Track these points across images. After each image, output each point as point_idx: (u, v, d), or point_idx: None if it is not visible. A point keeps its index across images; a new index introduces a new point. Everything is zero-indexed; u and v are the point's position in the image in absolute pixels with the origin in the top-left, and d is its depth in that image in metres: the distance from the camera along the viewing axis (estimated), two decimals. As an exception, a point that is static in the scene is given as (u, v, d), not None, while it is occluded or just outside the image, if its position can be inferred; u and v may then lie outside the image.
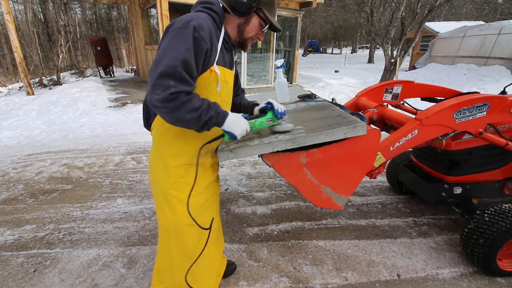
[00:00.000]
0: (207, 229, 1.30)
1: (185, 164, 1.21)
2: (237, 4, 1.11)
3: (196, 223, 1.24)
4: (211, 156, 1.31)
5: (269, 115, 1.26)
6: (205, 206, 1.30)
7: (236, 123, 1.12)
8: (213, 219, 1.35)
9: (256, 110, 1.35)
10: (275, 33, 8.35)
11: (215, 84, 1.14)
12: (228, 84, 1.23)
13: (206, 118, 1.02)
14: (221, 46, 1.13)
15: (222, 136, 1.21)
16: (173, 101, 0.94)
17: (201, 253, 1.30)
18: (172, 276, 1.33)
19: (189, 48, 0.98)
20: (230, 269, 1.79)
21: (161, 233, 1.32)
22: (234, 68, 1.30)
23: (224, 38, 1.15)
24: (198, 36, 0.99)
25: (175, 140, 1.19)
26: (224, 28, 1.16)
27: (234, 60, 1.31)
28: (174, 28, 1.01)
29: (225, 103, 1.26)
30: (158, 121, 1.20)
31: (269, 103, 1.26)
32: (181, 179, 1.21)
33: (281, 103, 1.83)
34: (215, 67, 1.11)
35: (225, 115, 1.09)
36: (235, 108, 1.48)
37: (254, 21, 1.17)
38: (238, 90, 1.49)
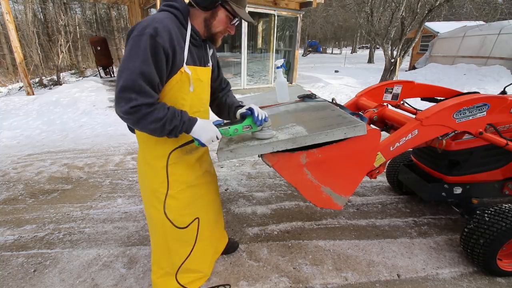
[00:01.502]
0: (188, 226, 1.36)
1: (167, 166, 1.25)
2: (200, 1, 1.08)
3: (173, 223, 1.30)
4: (196, 151, 1.35)
5: (247, 121, 1.21)
6: (195, 198, 1.38)
7: (204, 130, 1.12)
8: (196, 218, 1.40)
9: (238, 114, 1.26)
10: (275, 34, 8.36)
11: (187, 85, 1.15)
12: (202, 82, 1.22)
13: (170, 127, 1.06)
14: (189, 45, 1.12)
15: (192, 141, 1.22)
16: (135, 113, 0.99)
17: (194, 246, 1.38)
18: (172, 262, 1.41)
19: (146, 58, 0.98)
20: (233, 247, 1.94)
21: (155, 228, 1.37)
22: (210, 63, 1.29)
23: (191, 34, 1.13)
24: (154, 43, 0.99)
25: (156, 144, 1.23)
26: (191, 24, 1.14)
27: (210, 54, 1.29)
28: (132, 37, 1.01)
29: (203, 100, 1.27)
30: None
31: (250, 109, 1.20)
32: (170, 177, 1.27)
33: (281, 103, 1.84)
34: (185, 68, 1.10)
35: (192, 122, 1.11)
36: (221, 107, 1.46)
37: (221, 14, 1.13)
38: (221, 83, 1.47)
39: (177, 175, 1.29)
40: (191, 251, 1.38)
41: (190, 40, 1.13)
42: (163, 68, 1.04)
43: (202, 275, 1.55)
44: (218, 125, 1.18)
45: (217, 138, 1.17)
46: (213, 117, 1.39)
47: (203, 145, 1.16)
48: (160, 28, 1.00)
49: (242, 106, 1.36)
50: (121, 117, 1.01)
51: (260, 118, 1.18)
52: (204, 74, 1.23)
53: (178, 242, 1.38)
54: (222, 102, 1.45)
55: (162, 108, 1.05)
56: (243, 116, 1.22)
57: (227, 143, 1.30)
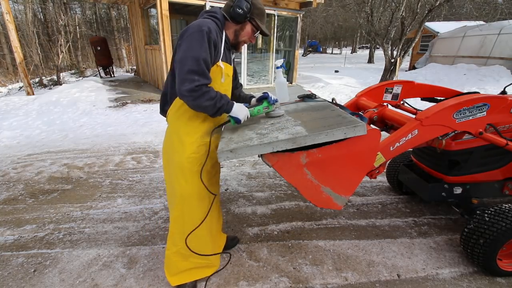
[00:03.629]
0: (214, 194, 1.56)
1: (197, 142, 1.46)
2: (235, 14, 1.39)
3: (207, 188, 1.49)
4: (216, 138, 1.53)
5: (265, 103, 1.53)
6: (212, 182, 1.59)
7: (240, 110, 1.41)
8: (215, 196, 1.59)
9: (253, 100, 1.67)
10: (275, 34, 8.36)
11: (220, 76, 1.43)
12: (229, 77, 1.52)
13: (219, 105, 1.32)
14: (223, 46, 1.41)
15: (228, 121, 1.47)
16: (197, 91, 1.25)
17: (204, 219, 1.52)
18: (183, 231, 1.55)
19: (206, 48, 1.27)
20: (233, 242, 2.04)
21: (175, 201, 1.54)
22: (233, 64, 1.59)
23: (225, 40, 1.43)
24: (209, 37, 1.28)
25: (189, 122, 1.46)
26: (224, 32, 1.44)
27: (232, 58, 1.58)
28: (191, 33, 1.28)
29: (227, 92, 1.54)
30: (173, 107, 1.46)
31: (265, 92, 1.54)
32: (193, 154, 1.46)
33: (281, 103, 1.84)
34: (221, 63, 1.40)
35: (232, 104, 1.38)
36: (236, 100, 1.75)
37: (248, 28, 1.45)
38: (237, 84, 1.78)
39: (200, 154, 1.49)
40: (201, 222, 1.53)
41: (224, 43, 1.42)
42: (212, 59, 1.33)
43: (204, 262, 1.66)
44: (246, 107, 1.48)
45: (247, 118, 1.46)
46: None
47: (239, 122, 1.43)
48: (212, 28, 1.31)
49: (254, 97, 1.70)
50: (183, 95, 1.26)
51: (273, 98, 1.52)
52: (230, 71, 1.52)
53: (192, 213, 1.54)
54: (236, 96, 1.78)
55: (213, 89, 1.32)
56: (261, 100, 1.56)
57: (227, 143, 1.30)
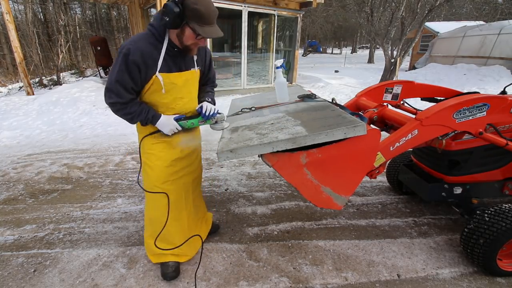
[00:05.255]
0: (154, 192, 1.64)
1: (150, 141, 1.61)
2: (164, 22, 1.34)
3: (142, 188, 1.64)
4: (177, 135, 1.60)
5: (200, 117, 1.56)
6: (175, 176, 1.66)
7: (165, 125, 1.51)
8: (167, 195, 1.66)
9: (195, 110, 1.66)
10: (275, 34, 8.36)
11: (160, 88, 1.47)
12: (176, 85, 1.51)
13: (137, 120, 1.48)
14: (164, 56, 1.42)
15: (158, 131, 1.56)
16: (112, 107, 1.44)
17: (167, 217, 1.63)
18: (153, 229, 1.74)
19: (122, 70, 1.36)
20: (214, 228, 2.16)
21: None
22: (194, 67, 1.58)
23: (167, 47, 1.43)
24: (127, 60, 1.35)
25: (139, 127, 1.65)
26: (169, 38, 1.42)
27: (195, 59, 1.58)
28: (117, 54, 1.38)
29: (178, 98, 1.56)
30: None
31: (200, 107, 1.56)
32: (149, 151, 1.62)
33: (280, 103, 1.84)
34: (158, 75, 1.43)
35: (156, 118, 1.49)
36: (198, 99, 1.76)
37: (187, 32, 1.37)
38: (208, 82, 1.80)
39: (156, 151, 1.61)
40: (165, 222, 1.63)
41: (166, 51, 1.43)
42: (136, 76, 1.40)
43: (176, 252, 1.76)
44: (179, 119, 1.53)
45: (177, 130, 1.53)
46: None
47: (166, 134, 1.55)
48: (132, 48, 1.35)
49: (207, 102, 1.65)
50: (107, 106, 1.39)
51: (207, 113, 1.52)
52: (177, 78, 1.51)
53: (155, 210, 1.69)
54: (198, 96, 1.76)
55: (135, 105, 1.45)
56: (199, 112, 1.57)
57: (227, 143, 1.30)
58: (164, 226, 1.64)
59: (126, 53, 1.34)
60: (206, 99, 1.64)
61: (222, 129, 1.53)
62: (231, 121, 1.67)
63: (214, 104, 1.68)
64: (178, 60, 1.49)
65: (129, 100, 1.43)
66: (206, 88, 1.79)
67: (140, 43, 1.38)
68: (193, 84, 1.63)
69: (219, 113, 1.55)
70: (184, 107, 1.61)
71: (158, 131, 1.57)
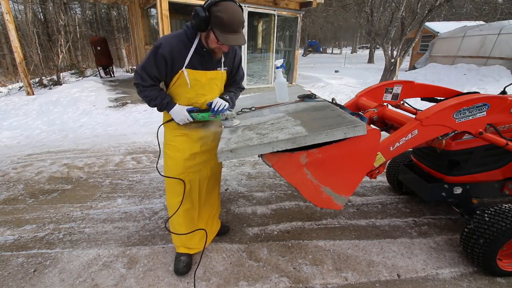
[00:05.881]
0: (169, 177, 1.73)
1: (172, 133, 1.73)
2: (192, 24, 1.46)
3: (160, 174, 1.74)
4: (197, 131, 1.71)
5: (210, 112, 1.58)
6: (192, 169, 1.74)
7: (177, 114, 1.60)
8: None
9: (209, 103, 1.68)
10: (275, 34, 8.35)
11: (185, 82, 1.58)
12: (199, 82, 1.61)
13: (154, 103, 1.60)
14: (192, 53, 1.53)
15: (171, 119, 1.66)
16: (137, 87, 1.58)
17: (180, 204, 1.71)
18: (169, 209, 1.86)
19: (151, 60, 1.51)
20: (224, 230, 2.18)
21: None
22: (220, 68, 1.65)
23: (197, 46, 1.53)
24: (157, 52, 1.49)
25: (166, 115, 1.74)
26: (199, 39, 1.53)
27: (222, 60, 1.64)
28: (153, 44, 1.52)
29: (200, 94, 1.65)
30: None
31: (210, 102, 1.58)
32: (170, 142, 1.74)
33: (280, 103, 1.84)
34: (184, 70, 1.54)
35: (170, 106, 1.60)
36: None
37: (211, 36, 1.46)
38: (233, 83, 1.83)
39: (177, 143, 1.71)
40: (178, 207, 1.71)
41: (195, 50, 1.53)
42: (161, 67, 1.52)
43: (187, 244, 1.84)
44: (191, 110, 1.60)
45: (188, 120, 1.61)
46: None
47: (178, 123, 1.63)
48: (164, 43, 1.49)
49: (223, 98, 1.67)
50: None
51: (216, 109, 1.55)
52: (201, 75, 1.60)
53: (170, 197, 1.79)
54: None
55: (155, 90, 1.58)
56: (208, 106, 1.59)
57: (227, 143, 1.30)
58: (175, 212, 1.73)
59: (158, 46, 1.48)
60: (224, 96, 1.67)
61: (232, 126, 1.55)
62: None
63: (232, 103, 1.69)
64: (205, 60, 1.58)
65: (150, 85, 1.56)
66: (230, 88, 1.83)
67: (172, 40, 1.51)
68: (217, 83, 1.69)
69: (230, 110, 1.57)
70: (205, 103, 1.68)
71: (172, 119, 1.65)
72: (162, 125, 1.75)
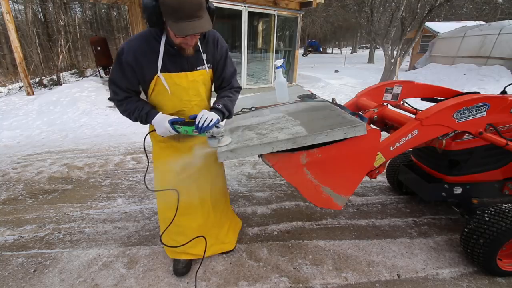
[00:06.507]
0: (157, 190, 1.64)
1: (159, 145, 1.61)
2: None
3: (147, 187, 1.57)
4: (187, 141, 1.57)
5: (193, 127, 1.32)
6: (187, 181, 1.60)
7: (159, 125, 1.39)
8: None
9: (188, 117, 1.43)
10: (275, 34, 8.35)
11: (164, 88, 1.39)
12: (180, 86, 1.41)
13: (133, 117, 1.41)
14: (162, 55, 1.32)
15: (153, 130, 1.47)
16: (113, 101, 1.43)
17: (175, 214, 1.54)
18: (162, 222, 1.77)
19: (117, 70, 1.34)
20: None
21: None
22: (202, 66, 1.43)
23: (165, 46, 1.32)
24: (120, 60, 1.31)
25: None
26: (166, 36, 1.31)
27: (204, 57, 1.42)
28: None
29: (185, 101, 1.46)
30: None
31: (194, 115, 1.33)
32: (158, 157, 1.63)
33: (280, 103, 1.84)
34: (160, 75, 1.35)
35: (150, 117, 1.39)
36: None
37: (170, 30, 1.22)
38: (222, 82, 1.58)
39: (165, 156, 1.58)
40: (173, 218, 1.54)
41: (164, 50, 1.32)
42: (130, 76, 1.34)
43: (188, 251, 1.74)
44: (175, 122, 1.38)
45: (170, 133, 1.39)
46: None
47: (161, 135, 1.43)
48: (125, 48, 1.30)
49: (215, 108, 1.44)
50: None
51: (200, 124, 1.28)
52: (181, 78, 1.40)
53: (164, 205, 1.68)
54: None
55: (131, 102, 1.40)
56: (192, 119, 1.35)
57: (227, 144, 1.30)
58: (170, 222, 1.56)
59: (120, 53, 1.31)
60: (216, 105, 1.43)
61: (218, 147, 1.29)
62: (231, 121, 1.66)
63: (229, 112, 1.45)
64: (179, 60, 1.36)
65: (123, 98, 1.39)
66: (222, 92, 1.56)
67: (135, 42, 1.31)
68: (203, 85, 1.48)
69: (217, 127, 1.30)
70: (193, 110, 1.47)
71: (154, 130, 1.45)
72: (148, 135, 1.56)
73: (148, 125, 1.50)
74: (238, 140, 1.31)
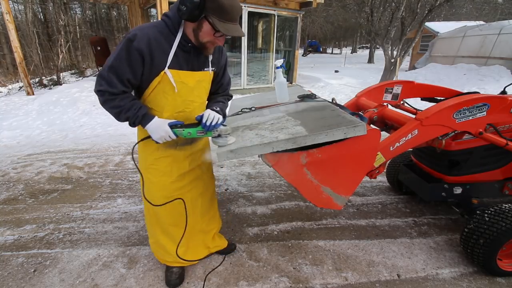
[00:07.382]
0: (159, 205, 1.51)
1: (153, 155, 1.50)
2: (180, 12, 1.15)
3: (150, 202, 1.48)
4: (185, 149, 1.50)
5: (200, 127, 1.28)
6: (182, 190, 1.55)
7: (156, 129, 1.27)
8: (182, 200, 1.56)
9: (198, 117, 1.33)
10: (275, 34, 8.35)
11: (170, 86, 1.29)
12: (186, 85, 1.33)
13: (125, 116, 1.25)
14: (175, 50, 1.24)
15: (149, 137, 1.33)
16: (100, 96, 1.22)
17: (186, 225, 1.57)
18: (172, 241, 1.65)
19: (121, 57, 1.17)
20: (230, 248, 1.98)
21: (146, 211, 1.69)
22: (208, 68, 1.39)
23: (180, 41, 1.24)
24: (129, 46, 1.16)
25: (141, 131, 1.49)
26: (183, 32, 1.24)
27: (210, 59, 1.39)
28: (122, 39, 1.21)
29: (188, 101, 1.39)
30: None
31: (202, 115, 1.28)
32: (152, 166, 1.52)
33: (280, 103, 1.84)
34: (167, 71, 1.24)
35: (147, 119, 1.26)
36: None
37: (206, 27, 1.19)
38: (219, 88, 1.58)
39: (161, 166, 1.49)
40: (183, 233, 1.58)
41: (178, 45, 1.25)
42: (137, 67, 1.21)
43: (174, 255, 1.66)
44: (174, 125, 1.27)
45: (170, 138, 1.29)
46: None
47: (156, 141, 1.30)
48: (139, 35, 1.17)
49: (214, 110, 1.40)
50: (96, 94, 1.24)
51: (208, 123, 1.25)
52: (189, 77, 1.33)
53: (173, 226, 1.61)
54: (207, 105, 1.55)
55: (126, 98, 1.24)
56: (199, 121, 1.29)
57: (233, 142, 1.30)
58: (182, 236, 1.59)
59: (131, 38, 1.16)
60: (214, 107, 1.38)
61: (226, 145, 1.27)
62: (231, 122, 1.66)
63: (224, 116, 1.42)
64: (191, 58, 1.31)
65: (120, 92, 1.22)
66: (217, 97, 1.55)
67: (150, 30, 1.19)
68: (205, 87, 1.45)
69: (224, 125, 1.30)
70: (194, 112, 1.40)
71: (149, 136, 1.33)
72: (137, 144, 1.50)
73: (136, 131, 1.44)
74: (238, 140, 1.31)
